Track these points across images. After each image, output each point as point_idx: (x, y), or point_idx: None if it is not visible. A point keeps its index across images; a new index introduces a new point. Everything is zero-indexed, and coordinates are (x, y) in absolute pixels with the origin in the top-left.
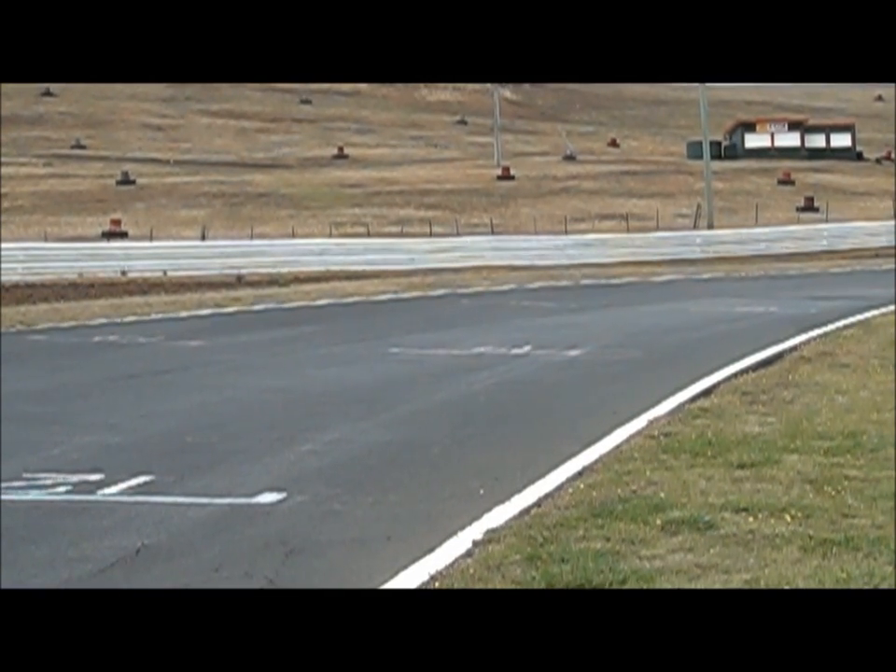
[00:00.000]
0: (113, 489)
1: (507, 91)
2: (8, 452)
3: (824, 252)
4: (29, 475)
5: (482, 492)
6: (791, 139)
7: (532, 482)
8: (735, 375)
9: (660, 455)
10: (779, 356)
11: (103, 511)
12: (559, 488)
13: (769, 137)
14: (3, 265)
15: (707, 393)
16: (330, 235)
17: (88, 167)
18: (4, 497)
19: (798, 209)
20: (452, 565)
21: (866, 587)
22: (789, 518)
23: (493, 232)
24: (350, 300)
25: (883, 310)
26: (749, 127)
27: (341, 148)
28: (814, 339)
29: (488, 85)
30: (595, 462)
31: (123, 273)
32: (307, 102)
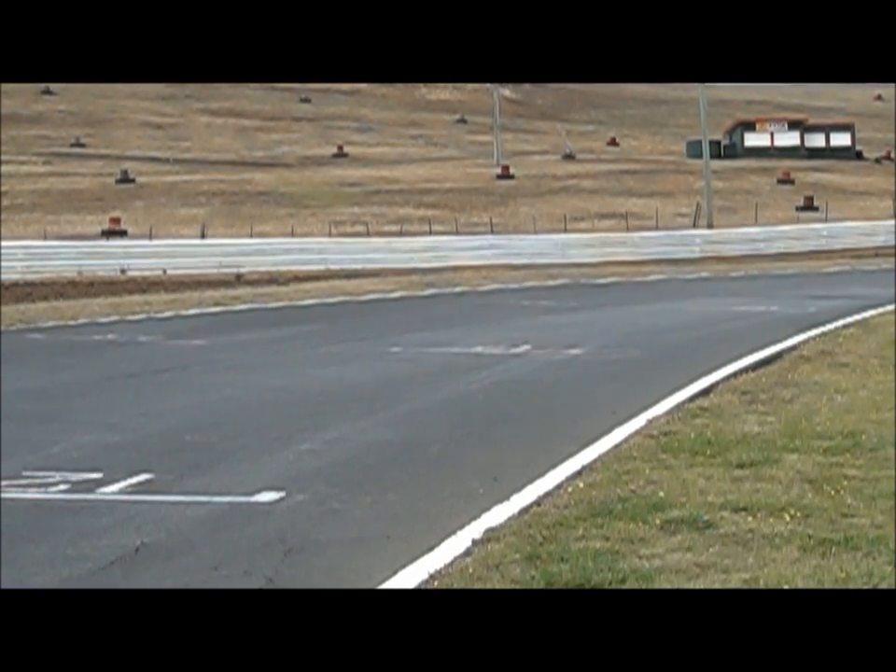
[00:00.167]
0: (112, 488)
1: (507, 91)
2: (8, 450)
3: (823, 251)
4: (28, 473)
5: (481, 491)
6: (790, 138)
7: (531, 481)
8: (735, 374)
9: (659, 455)
10: (779, 355)
11: (102, 509)
12: (558, 487)
13: (769, 137)
14: (2, 263)
15: (706, 392)
16: (330, 234)
17: (87, 165)
18: (3, 495)
19: (797, 208)
20: (451, 564)
21: (865, 587)
22: (788, 517)
23: (492, 231)
24: (349, 298)
25: (882, 309)
26: (749, 126)
27: (340, 147)
28: (813, 338)
29: (488, 84)
30: (595, 461)
31: (123, 271)
32: (307, 100)
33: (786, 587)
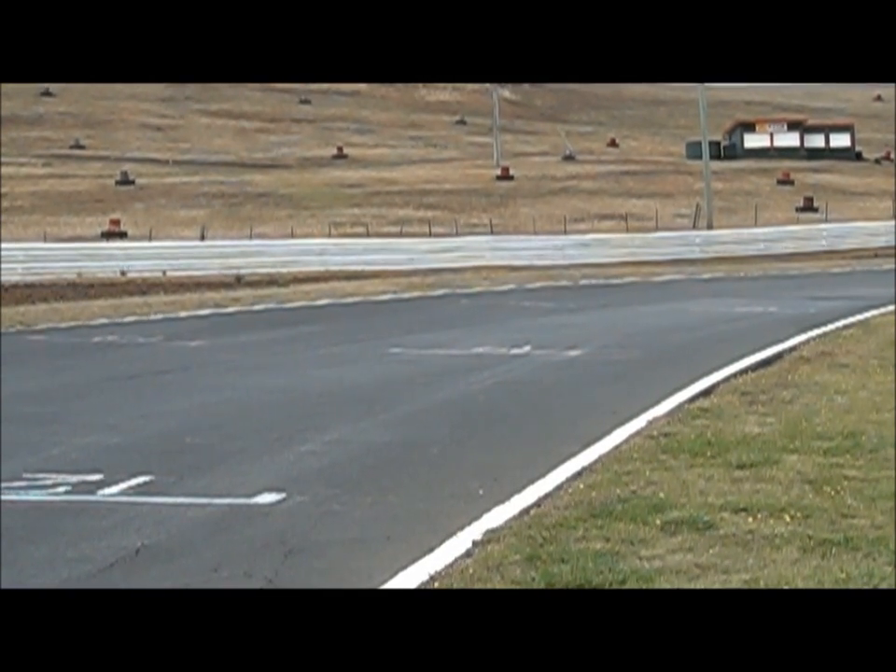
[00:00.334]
0: (113, 489)
1: (506, 91)
2: (8, 452)
3: (823, 252)
4: (29, 475)
5: (481, 492)
6: (790, 139)
7: (532, 482)
8: (735, 375)
9: (659, 456)
10: (779, 356)
11: (102, 511)
12: (559, 488)
13: (768, 137)
14: (2, 265)
15: (706, 393)
16: (330, 235)
17: (87, 167)
18: (4, 497)
19: (797, 209)
20: (451, 565)
21: (865, 587)
22: (788, 518)
23: (492, 232)
24: (349, 300)
25: (882, 310)
26: (749, 127)
27: (340, 148)
28: (813, 339)
29: (487, 85)
30: (595, 462)
31: (122, 273)
32: (306, 102)
33: (786, 588)
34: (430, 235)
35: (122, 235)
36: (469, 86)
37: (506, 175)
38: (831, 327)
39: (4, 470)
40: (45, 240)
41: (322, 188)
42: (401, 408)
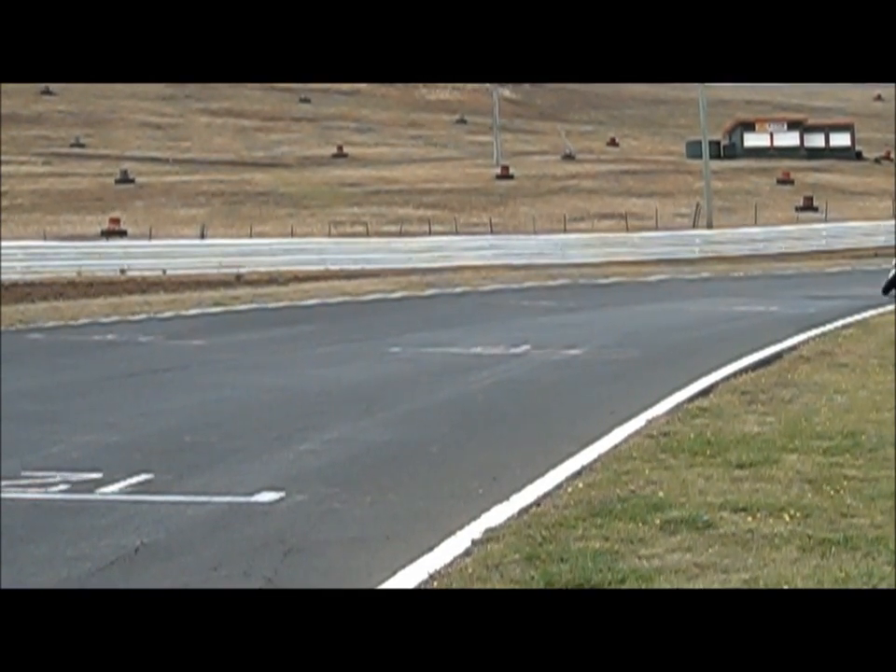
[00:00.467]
0: (112, 488)
1: (506, 91)
2: (8, 450)
3: (823, 252)
4: (28, 474)
5: (480, 491)
6: (790, 139)
7: (531, 481)
8: (734, 375)
9: (659, 455)
10: (778, 355)
11: (102, 509)
12: (558, 487)
13: (768, 137)
14: (2, 264)
15: (705, 392)
16: (329, 234)
17: (87, 166)
18: (3, 495)
19: (797, 209)
20: (451, 564)
21: (865, 587)
22: (787, 518)
23: (492, 232)
24: (349, 299)
25: (882, 310)
26: (749, 126)
27: (340, 147)
28: (813, 338)
29: (487, 84)
30: (594, 461)
31: (122, 271)
32: (306, 101)
33: (786, 587)
34: (430, 234)
35: (122, 234)
36: (469, 85)
37: (506, 175)
38: (830, 326)
39: (4, 468)
40: (45, 238)
41: (322, 186)
42: (401, 407)
